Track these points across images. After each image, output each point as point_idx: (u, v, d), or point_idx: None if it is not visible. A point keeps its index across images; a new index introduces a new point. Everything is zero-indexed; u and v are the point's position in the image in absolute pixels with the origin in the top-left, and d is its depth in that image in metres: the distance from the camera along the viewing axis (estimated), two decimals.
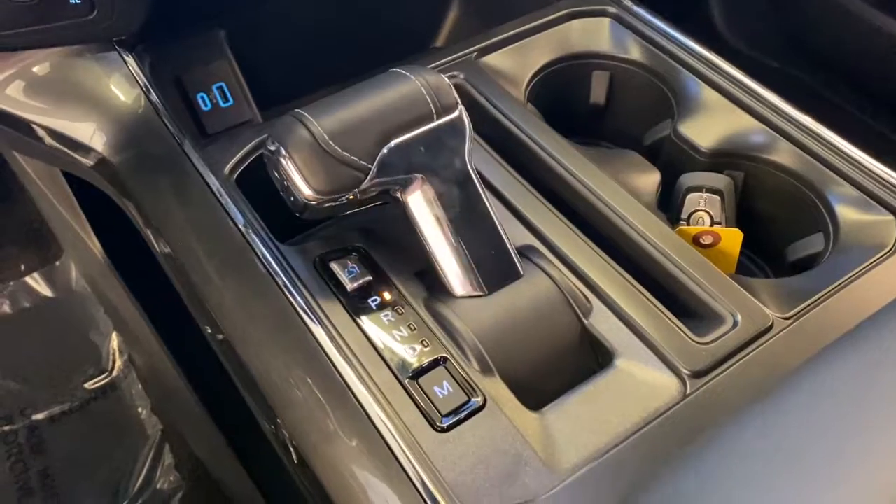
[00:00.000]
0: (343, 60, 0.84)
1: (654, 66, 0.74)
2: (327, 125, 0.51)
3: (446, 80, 0.54)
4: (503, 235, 0.55)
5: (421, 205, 0.53)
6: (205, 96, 0.72)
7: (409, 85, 0.53)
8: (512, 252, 0.55)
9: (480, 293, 0.54)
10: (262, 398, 0.54)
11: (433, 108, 0.53)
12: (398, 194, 0.53)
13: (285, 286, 0.55)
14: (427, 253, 0.55)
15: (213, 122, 0.71)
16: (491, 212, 0.55)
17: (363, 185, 0.51)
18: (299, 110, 0.52)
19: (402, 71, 0.54)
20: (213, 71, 0.73)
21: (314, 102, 0.53)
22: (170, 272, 0.63)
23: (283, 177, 0.52)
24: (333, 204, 0.52)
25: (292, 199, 0.52)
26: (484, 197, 0.55)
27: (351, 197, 0.52)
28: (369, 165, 0.51)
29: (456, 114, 0.54)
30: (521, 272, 0.55)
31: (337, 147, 0.50)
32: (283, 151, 0.51)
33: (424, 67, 0.55)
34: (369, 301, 0.54)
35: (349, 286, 0.55)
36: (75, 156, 0.66)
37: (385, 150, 0.51)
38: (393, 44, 0.86)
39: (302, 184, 0.51)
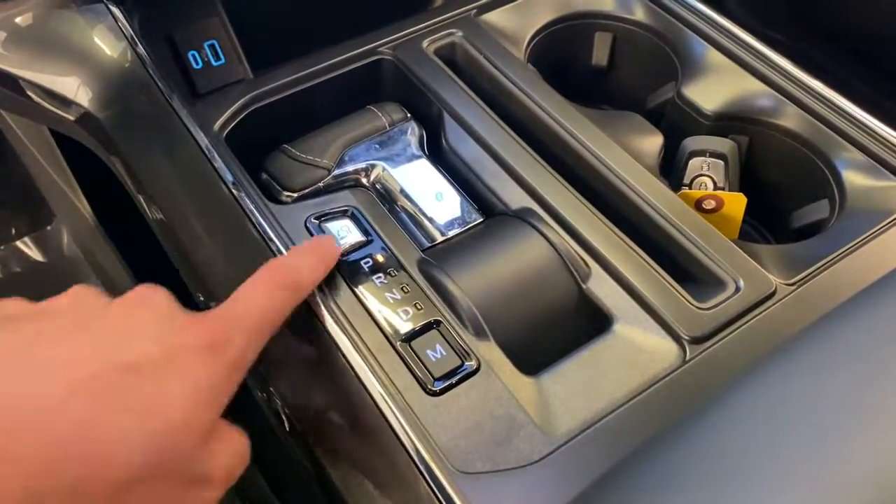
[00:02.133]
0: (339, 20, 0.81)
1: (659, 26, 0.72)
2: (297, 144, 0.62)
3: (398, 105, 0.65)
4: (457, 191, 0.60)
5: (382, 182, 0.60)
6: (196, 54, 0.70)
7: (367, 111, 0.64)
8: (466, 201, 0.60)
9: (443, 238, 0.57)
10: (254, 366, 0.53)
11: (385, 122, 0.63)
12: (364, 180, 0.60)
13: (277, 249, 0.54)
14: (398, 219, 0.58)
15: (204, 81, 0.69)
16: (443, 176, 0.61)
17: (327, 178, 0.60)
18: (287, 146, 0.62)
19: (369, 106, 0.66)
20: (205, 28, 0.71)
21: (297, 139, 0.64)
22: (158, 233, 0.62)
23: (269, 192, 0.60)
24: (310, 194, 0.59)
25: (283, 203, 0.59)
26: (434, 167, 0.61)
27: (321, 186, 0.60)
28: (331, 163, 0.60)
29: (408, 124, 0.64)
30: (481, 216, 0.58)
31: (301, 154, 0.61)
32: (264, 174, 0.61)
33: (396, 106, 0.65)
34: (362, 263, 0.53)
35: (341, 248, 0.53)
36: (60, 111, 0.64)
37: (348, 152, 0.61)
38: (388, 3, 0.84)
39: (278, 189, 0.59)
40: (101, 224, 0.95)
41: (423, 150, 0.63)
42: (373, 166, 0.61)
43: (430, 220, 0.58)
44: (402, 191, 0.59)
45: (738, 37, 0.70)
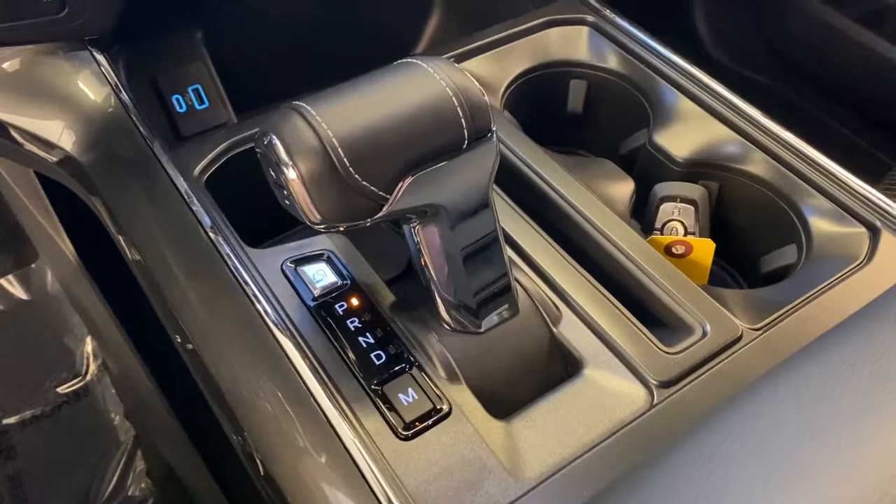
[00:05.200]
0: (321, 64, 0.83)
1: (631, 75, 0.74)
2: (347, 145, 0.42)
3: (482, 94, 0.46)
4: (510, 274, 0.51)
5: (436, 238, 0.48)
6: (180, 98, 0.71)
7: (443, 100, 0.44)
8: (515, 292, 0.52)
9: (475, 331, 0.51)
10: (228, 410, 0.53)
11: (466, 133, 0.45)
12: (413, 224, 0.48)
13: (252, 293, 0.54)
14: (429, 283, 0.50)
15: (187, 125, 0.71)
16: (503, 248, 0.50)
17: (378, 216, 0.44)
18: (314, 114, 0.43)
19: (433, 75, 0.45)
20: (189, 72, 0.72)
21: (327, 98, 0.44)
22: (137, 274, 0.63)
23: (287, 191, 0.44)
24: (338, 231, 0.46)
25: (292, 210, 0.45)
26: (498, 230, 0.50)
27: (365, 223, 0.45)
28: (387, 196, 0.44)
29: (488, 141, 0.46)
30: (519, 310, 0.52)
31: (357, 176, 0.42)
32: (290, 162, 0.42)
33: (457, 68, 0.46)
34: (336, 307, 0.54)
35: (316, 292, 0.54)
36: (44, 154, 0.65)
37: (409, 182, 0.44)
38: (373, 49, 0.86)
39: (311, 210, 0.43)
40: (84, 263, 0.95)
41: (490, 192, 0.48)
42: (433, 208, 0.46)
43: (458, 311, 0.50)
44: (447, 260, 0.49)
45: (708, 86, 0.72)
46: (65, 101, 0.65)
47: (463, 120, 0.44)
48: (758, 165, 0.67)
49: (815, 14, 1.15)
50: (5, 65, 0.66)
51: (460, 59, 0.74)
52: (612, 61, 0.75)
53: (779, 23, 1.22)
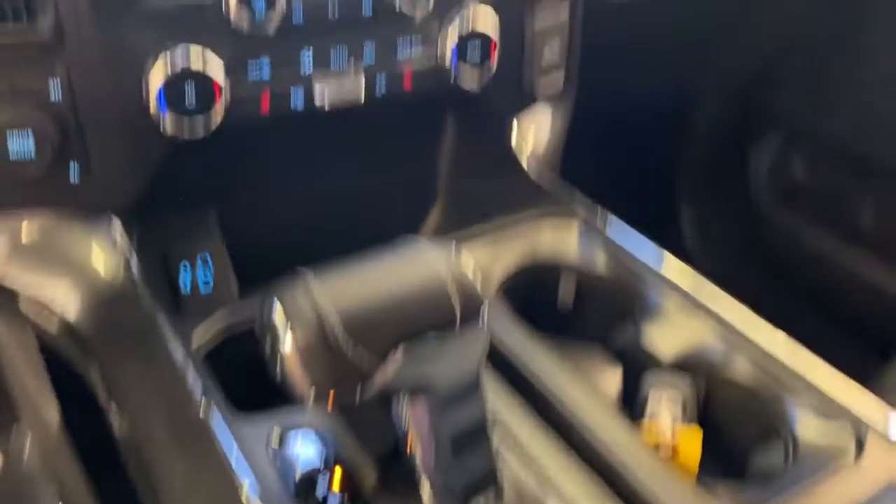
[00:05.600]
0: (328, 244, 0.87)
1: (619, 275, 0.77)
2: (344, 316, 0.44)
3: (476, 281, 0.48)
4: (496, 462, 0.51)
5: (425, 420, 0.48)
6: (188, 272, 0.74)
7: (438, 282, 0.47)
8: (501, 480, 0.51)
9: None
10: None
11: (458, 316, 0.47)
12: (403, 404, 0.49)
13: (236, 469, 0.54)
14: (414, 465, 0.50)
15: (193, 300, 0.73)
16: (490, 435, 0.51)
17: (370, 389, 0.46)
18: (313, 285, 0.45)
19: (432, 257, 0.49)
20: (200, 248, 0.75)
21: (328, 271, 0.47)
22: (123, 447, 0.62)
23: (280, 358, 0.45)
24: (328, 402, 0.47)
25: (284, 381, 0.46)
26: (488, 417, 0.50)
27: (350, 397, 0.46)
28: (379, 365, 0.45)
29: (479, 326, 0.48)
30: (505, 498, 0.52)
31: (350, 345, 0.44)
32: (286, 328, 0.44)
33: (454, 254, 0.49)
34: (318, 486, 0.53)
35: (299, 469, 0.54)
36: (46, 319, 0.66)
37: (399, 356, 0.45)
38: (378, 231, 0.90)
39: (303, 379, 0.45)
40: (67, 435, 0.94)
41: (481, 375, 0.50)
42: (423, 387, 0.47)
43: (453, 494, 0.50)
44: (434, 442, 0.49)
45: (695, 287, 0.74)
46: (74, 268, 0.68)
47: (456, 303, 0.47)
48: (743, 367, 0.67)
49: (798, 235, 1.22)
50: (22, 228, 0.69)
51: (460, 244, 0.78)
52: (599, 261, 0.79)
53: (764, 240, 1.28)
